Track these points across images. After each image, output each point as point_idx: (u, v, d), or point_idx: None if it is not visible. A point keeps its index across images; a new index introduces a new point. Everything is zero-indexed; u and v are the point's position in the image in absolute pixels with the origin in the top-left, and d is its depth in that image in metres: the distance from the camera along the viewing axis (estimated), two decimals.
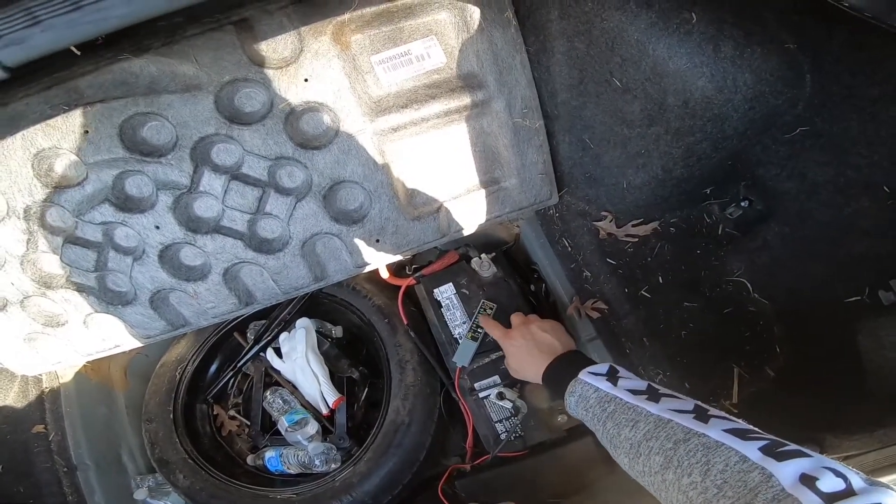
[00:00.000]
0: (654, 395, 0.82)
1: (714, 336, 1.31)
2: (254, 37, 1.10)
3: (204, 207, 1.25)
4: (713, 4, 0.98)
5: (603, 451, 1.31)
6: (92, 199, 1.18)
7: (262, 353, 1.58)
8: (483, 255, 1.48)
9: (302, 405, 1.51)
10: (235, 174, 1.22)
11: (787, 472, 0.56)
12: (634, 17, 1.02)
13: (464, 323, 1.42)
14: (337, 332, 1.61)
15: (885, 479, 0.89)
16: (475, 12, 1.18)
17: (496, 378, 1.35)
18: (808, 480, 0.54)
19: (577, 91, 1.22)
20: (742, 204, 1.24)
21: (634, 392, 0.84)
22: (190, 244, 1.27)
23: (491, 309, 1.39)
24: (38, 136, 1.09)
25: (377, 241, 1.34)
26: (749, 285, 1.29)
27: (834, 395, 1.14)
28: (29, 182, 1.14)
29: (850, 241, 1.10)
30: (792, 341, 1.25)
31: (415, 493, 1.41)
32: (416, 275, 1.51)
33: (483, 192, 1.35)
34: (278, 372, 1.56)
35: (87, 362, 1.48)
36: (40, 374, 1.48)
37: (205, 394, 1.58)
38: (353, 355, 1.59)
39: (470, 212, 1.36)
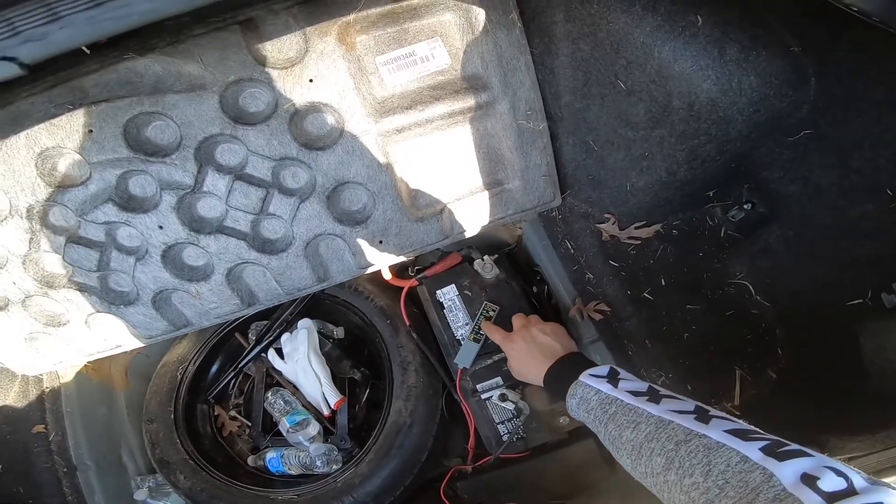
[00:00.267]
0: (654, 397, 0.82)
1: (716, 338, 1.31)
2: (259, 37, 1.10)
3: (207, 207, 1.24)
4: (719, 8, 0.98)
5: (605, 452, 1.31)
6: (95, 198, 1.18)
7: (263, 354, 1.58)
8: (486, 257, 1.48)
9: (303, 406, 1.51)
10: (239, 174, 1.22)
11: (788, 471, 0.56)
12: (640, 20, 1.02)
13: (466, 324, 1.42)
14: (339, 333, 1.61)
15: (887, 481, 0.90)
16: (480, 14, 1.18)
17: (498, 379, 1.35)
18: (809, 480, 0.54)
19: (582, 93, 1.22)
20: (745, 207, 1.24)
21: (635, 393, 0.84)
22: (193, 244, 1.26)
23: (493, 311, 1.40)
24: (42, 135, 1.09)
25: (380, 242, 1.34)
26: (751, 288, 1.29)
27: (836, 398, 1.14)
28: (32, 181, 1.13)
29: (852, 243, 1.10)
30: (794, 344, 1.25)
31: (416, 495, 1.41)
32: (419, 276, 1.51)
33: (486, 193, 1.36)
34: (280, 373, 1.55)
35: (88, 362, 1.47)
36: (41, 374, 1.47)
37: (206, 394, 1.58)
38: (354, 356, 1.59)
39: (473, 213, 1.37)
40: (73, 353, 1.36)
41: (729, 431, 0.66)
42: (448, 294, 1.46)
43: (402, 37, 1.19)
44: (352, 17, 1.13)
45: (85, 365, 1.51)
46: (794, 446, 0.61)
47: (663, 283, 1.33)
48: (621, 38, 1.07)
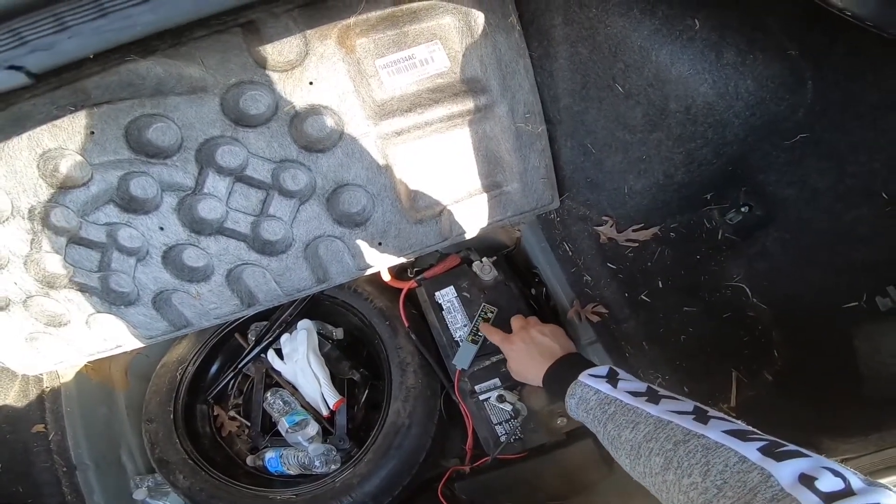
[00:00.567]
0: (653, 397, 0.83)
1: (713, 340, 1.32)
2: (260, 39, 1.10)
3: (208, 209, 1.25)
4: (716, 12, 0.99)
5: (603, 452, 1.32)
6: (97, 199, 1.18)
7: (262, 355, 1.59)
8: (484, 259, 1.49)
9: (302, 406, 1.51)
10: (240, 176, 1.23)
11: (785, 472, 0.57)
12: (638, 24, 1.03)
13: (465, 326, 1.43)
14: (338, 333, 1.62)
15: (883, 481, 0.90)
16: (479, 17, 1.19)
17: (496, 381, 1.36)
18: (806, 480, 0.55)
19: (580, 96, 1.23)
20: (742, 209, 1.25)
21: (634, 394, 0.85)
22: (193, 245, 1.27)
23: (492, 312, 1.40)
24: (45, 137, 1.10)
25: (379, 243, 1.35)
26: (748, 290, 1.30)
27: (831, 400, 1.15)
28: (34, 182, 1.14)
29: (848, 247, 1.11)
30: (790, 346, 1.26)
31: (414, 495, 1.42)
32: (418, 278, 1.52)
33: (485, 195, 1.36)
34: (279, 373, 1.56)
35: (88, 362, 1.48)
36: (41, 374, 1.48)
37: (205, 394, 1.58)
38: (353, 357, 1.59)
39: (472, 215, 1.37)
40: (74, 353, 1.37)
41: (727, 432, 0.67)
42: (447, 296, 1.46)
43: (401, 40, 1.20)
44: (352, 20, 1.14)
45: (85, 365, 1.52)
46: (792, 447, 0.62)
47: (661, 286, 1.34)
48: (619, 42, 1.07)
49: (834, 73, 0.97)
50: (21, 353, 1.35)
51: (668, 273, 1.34)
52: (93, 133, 1.12)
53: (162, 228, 1.24)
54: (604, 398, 0.88)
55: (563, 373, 1.03)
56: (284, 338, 1.55)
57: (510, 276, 1.49)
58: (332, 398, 1.46)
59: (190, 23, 1.05)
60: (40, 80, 0.69)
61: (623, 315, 1.34)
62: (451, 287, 1.47)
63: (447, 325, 1.44)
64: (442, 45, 1.21)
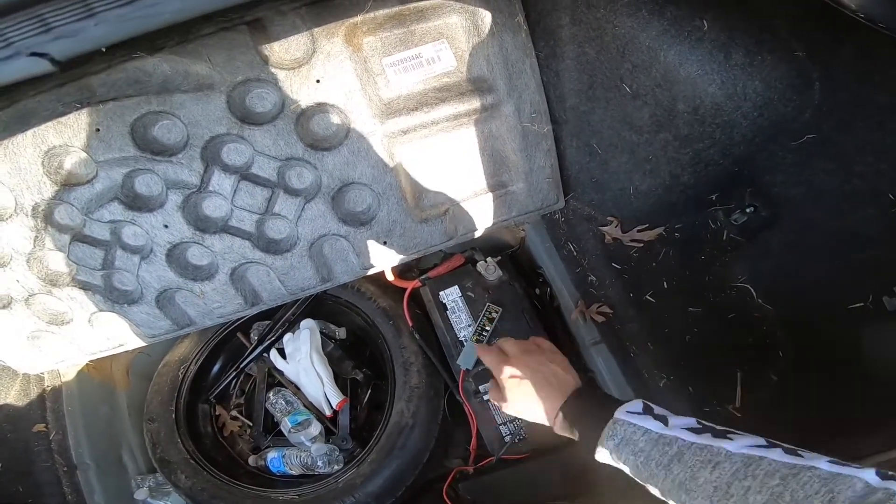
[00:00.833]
0: (716, 432, 0.75)
1: (718, 341, 1.32)
2: (267, 37, 1.10)
3: (213, 207, 1.25)
4: (724, 12, 0.99)
5: None
6: (101, 197, 1.18)
7: (265, 354, 1.58)
8: (489, 259, 1.49)
9: (305, 406, 1.51)
10: (245, 174, 1.22)
11: None
12: (646, 24, 1.03)
13: (469, 326, 1.42)
14: (340, 333, 1.61)
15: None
16: (486, 16, 1.19)
17: None
18: None
19: (586, 96, 1.23)
20: (747, 210, 1.25)
21: (693, 430, 0.76)
22: (198, 244, 1.27)
23: (496, 312, 1.40)
24: (50, 134, 1.09)
25: (384, 242, 1.34)
26: (753, 291, 1.30)
27: (836, 398, 1.15)
28: (38, 179, 1.13)
29: (854, 247, 1.11)
30: (795, 346, 1.26)
31: (417, 495, 1.41)
32: (423, 277, 1.51)
33: (490, 195, 1.36)
34: (281, 373, 1.56)
35: (90, 361, 1.47)
36: (42, 373, 1.47)
37: (207, 394, 1.58)
38: (355, 357, 1.59)
39: (477, 215, 1.37)
40: (76, 352, 1.36)
41: (833, 462, 0.63)
42: (451, 295, 1.46)
43: (408, 38, 1.20)
44: (359, 18, 1.13)
45: (86, 364, 1.51)
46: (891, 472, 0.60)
47: (665, 286, 1.34)
48: (627, 42, 1.08)
49: (842, 74, 0.98)
50: (22, 351, 1.34)
51: (673, 273, 1.34)
52: (98, 130, 1.11)
53: (166, 226, 1.23)
54: (657, 437, 0.77)
55: (587, 409, 0.91)
56: (287, 337, 1.55)
57: (514, 276, 1.49)
58: (336, 398, 1.46)
59: (197, 19, 1.05)
60: (63, 69, 0.68)
61: (628, 315, 1.34)
62: (456, 287, 1.47)
63: (451, 324, 1.44)
64: (449, 44, 1.21)
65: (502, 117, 1.29)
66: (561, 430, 0.96)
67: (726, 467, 0.69)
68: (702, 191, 1.25)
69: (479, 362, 1.37)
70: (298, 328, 1.55)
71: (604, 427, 0.83)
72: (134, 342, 1.37)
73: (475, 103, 1.26)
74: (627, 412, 0.83)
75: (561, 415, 0.94)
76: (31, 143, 1.10)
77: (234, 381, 1.62)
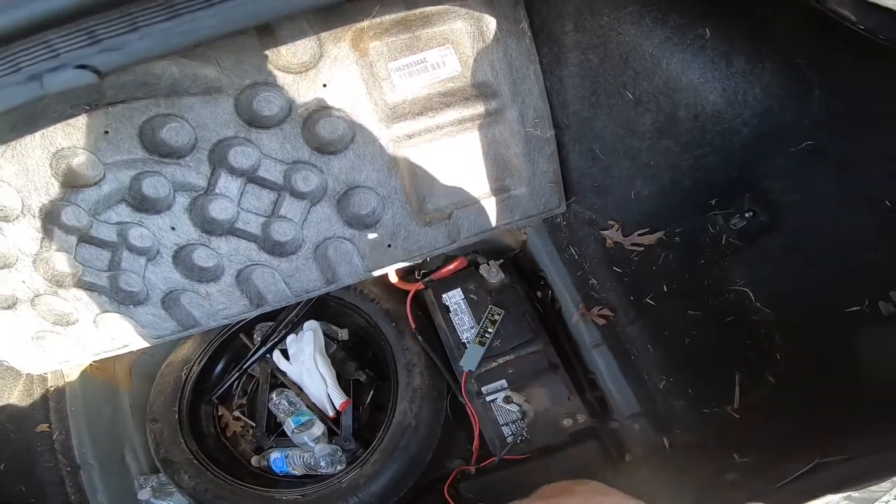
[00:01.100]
0: None
1: (716, 343, 1.33)
2: (275, 41, 1.11)
3: (219, 209, 1.26)
4: (727, 21, 1.01)
5: (607, 454, 1.34)
6: (108, 199, 1.19)
7: (268, 355, 1.59)
8: (491, 262, 1.50)
9: (308, 407, 1.52)
10: (252, 177, 1.23)
11: None
12: (650, 32, 1.05)
13: (471, 328, 1.44)
14: (343, 335, 1.62)
15: (883, 484, 0.92)
16: (491, 23, 1.20)
17: (503, 382, 1.37)
18: None
19: (589, 102, 1.24)
20: (746, 215, 1.27)
21: None
22: (204, 245, 1.28)
23: (499, 314, 1.42)
24: (58, 136, 1.10)
25: (389, 245, 1.36)
26: (751, 294, 1.32)
27: (833, 401, 1.16)
28: (46, 181, 1.14)
29: (851, 252, 1.13)
30: (792, 349, 1.28)
31: (419, 496, 1.42)
32: (426, 280, 1.53)
33: (493, 199, 1.38)
34: (284, 373, 1.57)
35: (93, 362, 1.48)
36: (45, 373, 1.47)
37: (210, 394, 1.59)
38: (358, 358, 1.60)
39: (480, 219, 1.39)
40: (80, 353, 1.37)
41: None
42: (454, 298, 1.48)
43: (414, 44, 1.21)
44: (366, 23, 1.15)
45: (90, 364, 1.51)
46: None
47: (665, 289, 1.35)
48: (630, 50, 1.09)
49: (841, 82, 0.99)
50: (26, 352, 1.35)
51: (673, 277, 1.36)
52: (107, 132, 1.12)
53: (173, 228, 1.24)
54: None
55: None
56: (290, 338, 1.56)
57: (516, 279, 1.51)
58: (339, 399, 1.47)
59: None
60: (104, 80, 0.70)
61: (628, 318, 1.36)
62: (459, 289, 1.48)
63: (454, 326, 1.45)
64: (454, 50, 1.23)
65: (506, 122, 1.30)
66: None
67: None
68: (702, 196, 1.27)
69: (481, 364, 1.38)
70: (302, 329, 1.56)
71: None
72: (139, 343, 1.38)
73: (479, 108, 1.27)
74: None
75: None
76: (40, 145, 1.11)
77: (237, 382, 1.63)
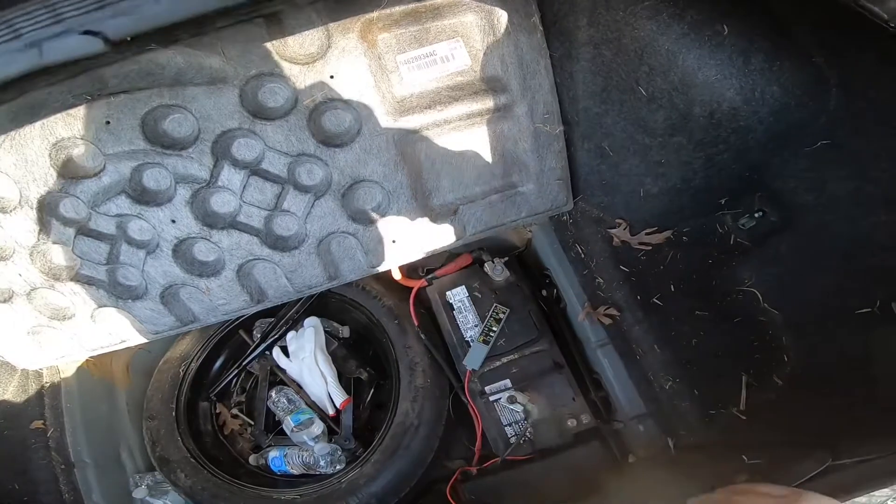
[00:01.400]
0: None
1: (723, 344, 1.32)
2: (282, 31, 1.09)
3: (221, 202, 1.23)
4: (745, 18, 1.00)
5: (611, 455, 1.32)
6: (108, 190, 1.16)
7: (268, 352, 1.57)
8: (496, 259, 1.49)
9: (307, 405, 1.50)
10: (255, 170, 1.21)
11: None
12: (666, 28, 1.04)
13: (475, 326, 1.42)
14: (344, 332, 1.61)
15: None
16: (502, 16, 1.18)
17: (507, 381, 1.36)
18: None
19: (600, 98, 1.23)
20: (756, 215, 1.26)
21: None
22: (205, 239, 1.25)
23: (503, 313, 1.40)
24: (58, 126, 1.08)
25: (393, 241, 1.34)
26: (759, 295, 1.31)
27: (844, 402, 1.15)
28: (45, 172, 1.11)
29: (864, 253, 1.12)
30: (800, 350, 1.27)
31: (419, 496, 1.41)
32: (429, 276, 1.51)
33: (500, 195, 1.36)
34: (284, 371, 1.54)
35: (90, 357, 1.45)
36: (41, 369, 1.44)
37: (208, 391, 1.56)
38: (359, 356, 1.58)
39: (486, 215, 1.37)
40: (77, 348, 1.34)
41: None
42: (458, 295, 1.46)
43: (423, 36, 1.19)
44: (375, 14, 1.13)
45: (86, 360, 1.48)
46: None
47: (672, 289, 1.34)
48: (646, 45, 1.07)
49: (859, 80, 0.98)
50: (22, 346, 1.32)
51: (681, 277, 1.35)
52: (108, 123, 1.10)
53: (174, 221, 1.22)
54: None
55: None
56: (291, 335, 1.54)
57: (521, 277, 1.50)
58: (339, 397, 1.45)
59: (213, 12, 1.03)
60: (115, 49, 0.64)
61: (635, 318, 1.35)
62: (463, 287, 1.47)
63: (458, 324, 1.43)
64: (464, 43, 1.21)
65: (515, 118, 1.28)
66: None
67: None
68: (712, 195, 1.26)
69: (485, 363, 1.37)
70: (302, 326, 1.54)
71: None
72: (136, 338, 1.35)
73: (488, 103, 1.25)
74: None
75: None
76: (39, 135, 1.08)
77: (235, 379, 1.61)
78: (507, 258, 1.51)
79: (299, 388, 1.53)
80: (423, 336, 1.44)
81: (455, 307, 1.45)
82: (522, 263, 1.59)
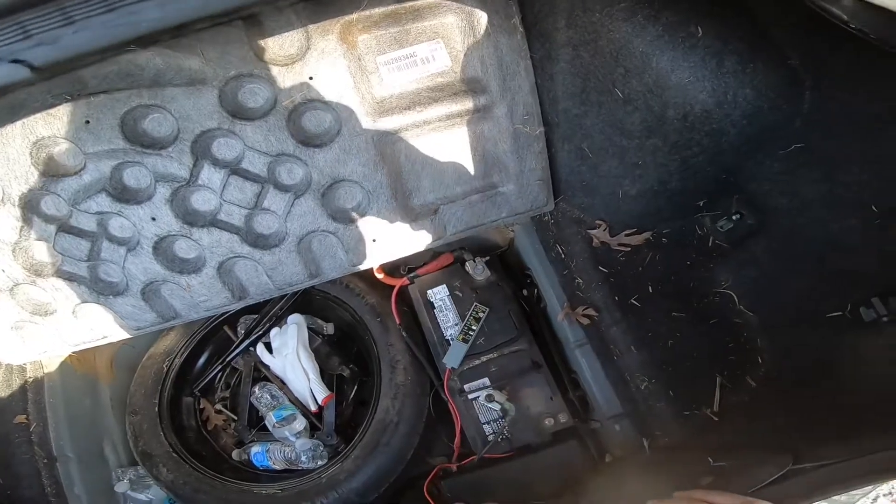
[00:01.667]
0: None
1: (699, 346, 1.34)
2: (261, 33, 1.10)
3: (202, 201, 1.24)
4: (720, 20, 1.00)
5: (588, 455, 1.34)
6: (89, 188, 1.17)
7: (251, 348, 1.58)
8: (477, 259, 1.49)
9: (290, 401, 1.51)
10: (235, 169, 1.22)
11: None
12: (641, 30, 1.04)
13: (455, 325, 1.43)
14: (328, 329, 1.61)
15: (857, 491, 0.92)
16: (482, 17, 1.19)
17: (485, 380, 1.37)
18: None
19: (579, 100, 1.24)
20: (734, 217, 1.27)
21: None
22: (185, 237, 1.26)
23: (483, 312, 1.41)
24: (39, 125, 1.08)
25: (373, 240, 1.34)
26: (735, 297, 1.32)
27: (811, 406, 1.17)
28: (26, 170, 1.12)
29: (835, 257, 1.13)
30: (774, 352, 1.28)
31: (400, 492, 1.42)
32: (411, 275, 1.52)
33: (481, 196, 1.37)
34: (267, 367, 1.55)
35: (73, 353, 1.45)
36: (24, 364, 1.45)
37: (192, 387, 1.57)
38: (342, 353, 1.59)
39: (467, 215, 1.38)
40: (59, 343, 1.35)
41: None
42: (439, 294, 1.47)
43: (403, 37, 1.20)
44: (354, 16, 1.14)
45: (69, 355, 1.49)
46: None
47: (650, 291, 1.35)
48: (621, 47, 1.08)
49: (833, 83, 0.99)
50: (5, 341, 1.32)
51: (659, 278, 1.36)
52: (88, 122, 1.10)
53: (154, 219, 1.22)
54: None
55: None
56: (274, 332, 1.55)
57: (502, 277, 1.51)
58: (321, 393, 1.46)
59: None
60: (40, 74, 0.67)
61: (613, 318, 1.35)
62: (444, 286, 1.48)
63: (438, 323, 1.44)
64: (444, 45, 1.22)
65: (495, 119, 1.29)
66: None
67: None
68: (689, 197, 1.27)
69: (464, 361, 1.38)
70: (286, 323, 1.55)
71: None
72: (118, 334, 1.36)
73: (468, 104, 1.26)
74: None
75: None
76: (20, 134, 1.08)
77: (219, 375, 1.61)
78: (488, 257, 1.52)
79: (282, 384, 1.54)
80: (404, 334, 1.45)
81: (436, 306, 1.46)
82: (504, 263, 1.60)
